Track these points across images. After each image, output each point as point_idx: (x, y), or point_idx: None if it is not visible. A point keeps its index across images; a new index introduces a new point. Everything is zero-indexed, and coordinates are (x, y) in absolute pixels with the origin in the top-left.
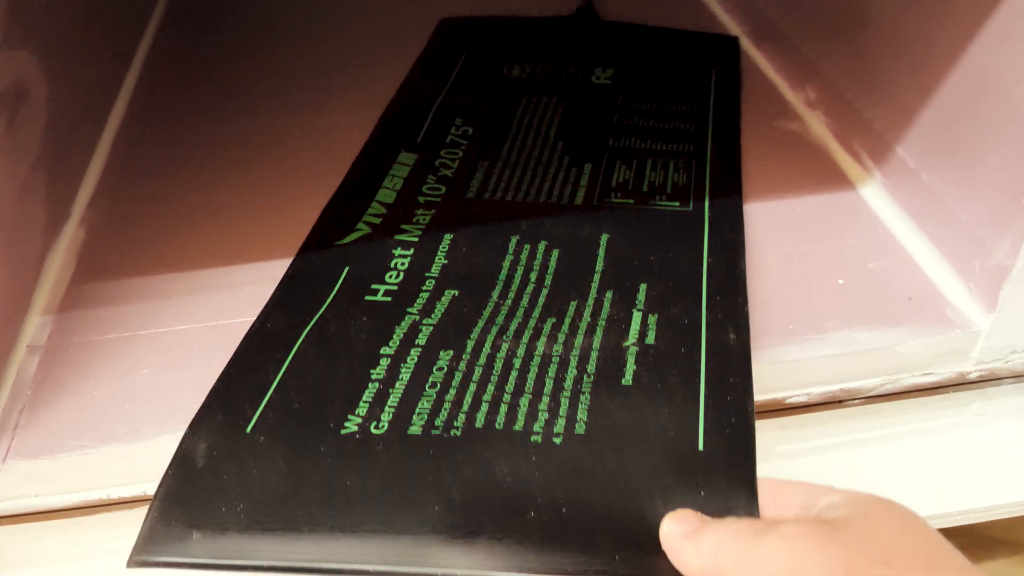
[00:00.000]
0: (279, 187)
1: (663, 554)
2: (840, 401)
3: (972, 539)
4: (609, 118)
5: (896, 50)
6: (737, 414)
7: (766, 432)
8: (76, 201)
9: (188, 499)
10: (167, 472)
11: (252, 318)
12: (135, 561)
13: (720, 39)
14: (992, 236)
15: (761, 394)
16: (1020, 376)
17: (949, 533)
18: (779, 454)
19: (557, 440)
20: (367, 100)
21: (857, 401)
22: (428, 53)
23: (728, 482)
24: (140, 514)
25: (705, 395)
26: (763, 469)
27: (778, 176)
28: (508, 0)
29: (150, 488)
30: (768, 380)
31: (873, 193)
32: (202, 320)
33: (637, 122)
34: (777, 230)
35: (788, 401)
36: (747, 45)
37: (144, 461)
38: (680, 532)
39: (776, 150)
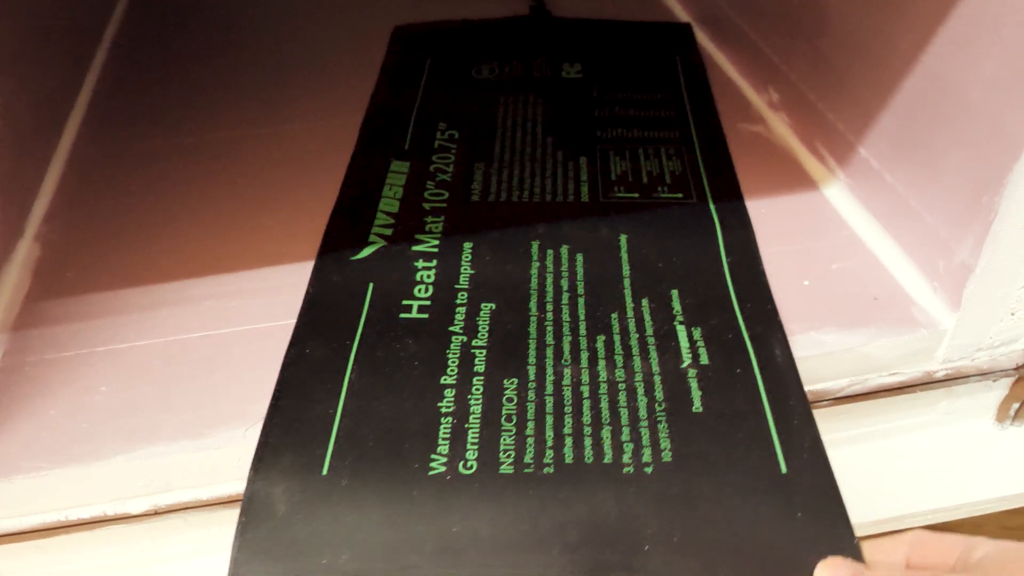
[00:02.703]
0: (242, 198)
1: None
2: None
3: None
4: (590, 111)
5: (855, 52)
6: (809, 438)
7: None
8: (31, 216)
9: (282, 551)
10: (241, 523)
11: (214, 332)
12: None
13: (674, 27)
14: (955, 235)
15: None
16: (986, 374)
17: None
18: None
19: (648, 470)
20: (329, 109)
21: (825, 403)
22: (391, 60)
23: (820, 504)
24: (100, 535)
25: (773, 418)
26: None
27: (744, 178)
28: (455, 6)
29: (110, 508)
30: None
31: (837, 194)
32: (162, 335)
33: (618, 112)
34: None
35: None
36: (710, 47)
37: (103, 482)
38: None
39: (741, 152)
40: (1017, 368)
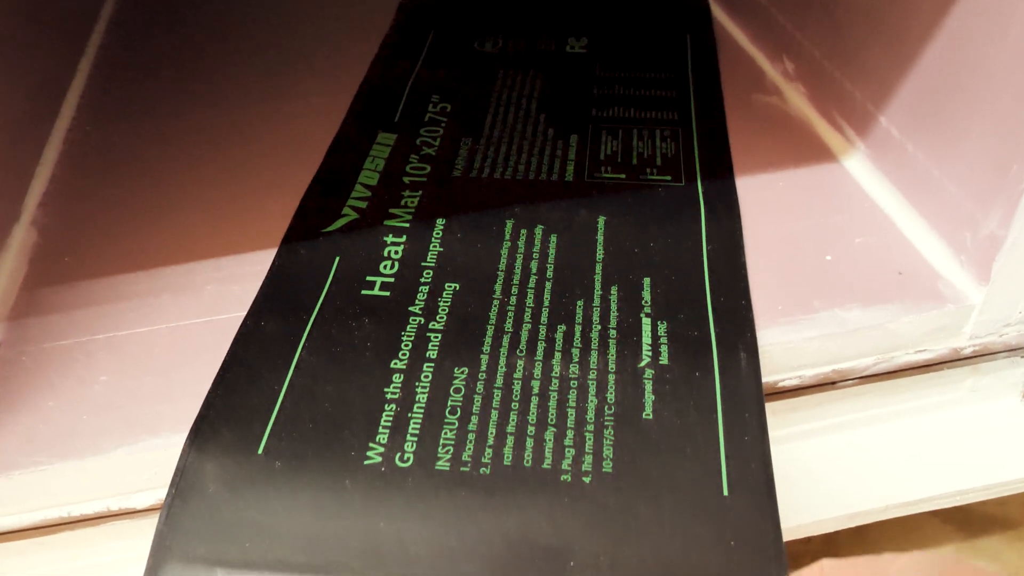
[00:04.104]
0: (242, 180)
1: None
2: (833, 383)
3: (965, 515)
4: (589, 89)
5: (873, 18)
6: (756, 458)
7: None
8: (26, 201)
9: (206, 531)
10: (171, 495)
11: (216, 317)
12: None
13: (690, 4)
14: (982, 207)
15: None
16: (1015, 350)
17: (944, 512)
18: (772, 440)
19: (586, 479)
20: (331, 87)
21: (850, 382)
22: (394, 33)
23: (755, 532)
24: (105, 531)
25: (724, 434)
26: None
27: (759, 151)
28: None
29: (113, 504)
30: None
31: (857, 166)
32: (164, 322)
33: (617, 91)
34: (760, 207)
35: (780, 385)
36: (722, 17)
37: (105, 476)
38: None
39: (756, 124)
40: None
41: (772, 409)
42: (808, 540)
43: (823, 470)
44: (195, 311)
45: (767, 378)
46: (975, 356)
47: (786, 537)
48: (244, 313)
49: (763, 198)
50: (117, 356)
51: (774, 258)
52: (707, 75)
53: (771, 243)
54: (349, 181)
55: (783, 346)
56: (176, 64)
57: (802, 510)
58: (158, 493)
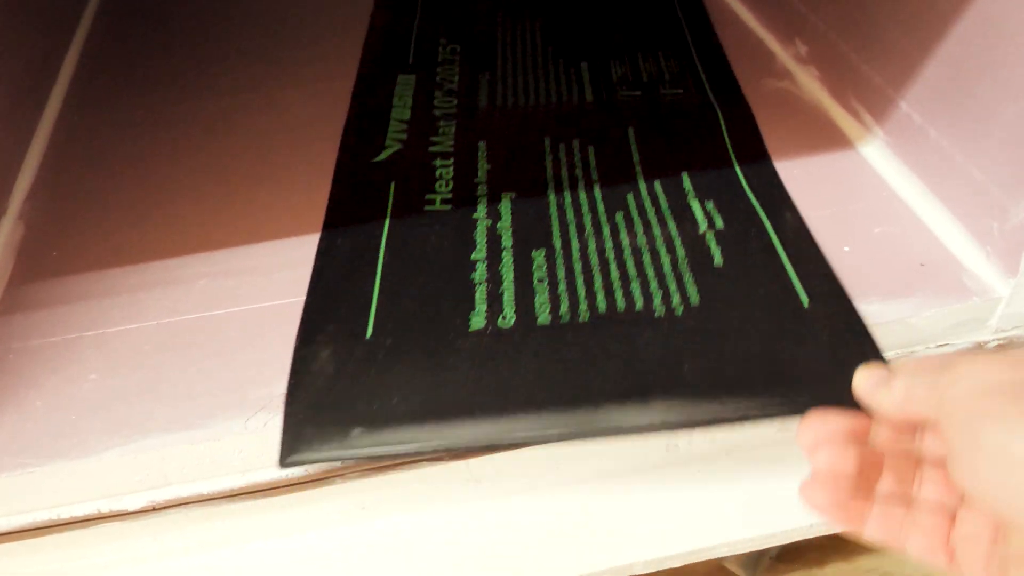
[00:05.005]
0: (232, 171)
1: (810, 393)
2: None
3: None
4: (587, 22)
5: None
6: (825, 278)
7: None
8: (13, 195)
9: (332, 403)
10: (292, 382)
11: (208, 313)
12: (290, 462)
13: None
14: (1011, 195)
15: None
16: None
17: None
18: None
19: (679, 312)
20: (322, 73)
21: None
22: None
23: (845, 329)
24: (96, 533)
25: (791, 265)
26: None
27: (772, 138)
28: None
29: (104, 505)
30: None
31: (875, 152)
32: (153, 317)
33: (615, 22)
34: None
35: None
36: (732, 1)
37: (95, 477)
38: (871, 383)
39: (767, 111)
40: None
41: None
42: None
43: None
44: (187, 306)
45: None
46: (1000, 350)
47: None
48: (240, 308)
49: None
50: (106, 353)
51: None
52: (694, 3)
53: None
54: (383, 118)
55: None
56: (166, 51)
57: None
58: (151, 495)
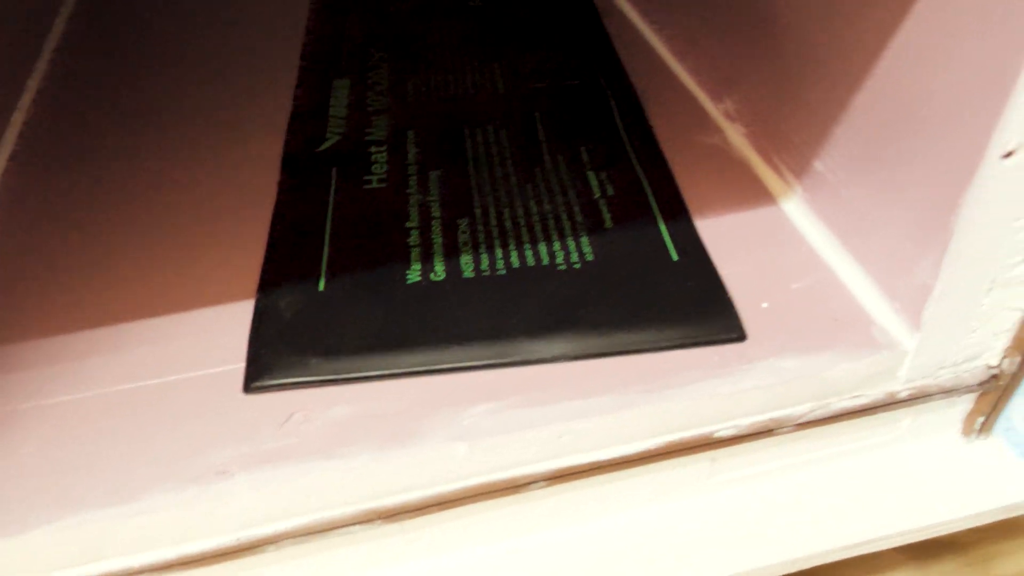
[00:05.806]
0: (175, 234)
1: (679, 330)
2: (770, 430)
3: (919, 543)
4: (496, 29)
5: (809, 64)
6: (690, 240)
7: (696, 465)
8: None
9: (291, 340)
10: (255, 325)
11: (150, 382)
12: (255, 388)
13: None
14: (914, 254)
15: (688, 430)
16: (950, 391)
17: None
18: (711, 487)
19: (577, 266)
20: (266, 128)
21: (787, 429)
22: (315, 16)
23: (701, 278)
24: None
25: (665, 228)
26: (694, 501)
27: (700, 192)
28: None
29: None
30: (694, 416)
31: (795, 209)
32: (93, 388)
33: (519, 30)
34: None
35: (717, 435)
36: (665, 54)
37: (28, 554)
38: None
39: (697, 166)
40: (981, 384)
41: (711, 457)
42: None
43: (764, 515)
44: (128, 375)
45: (703, 429)
46: (911, 399)
47: None
48: (182, 376)
49: (703, 241)
50: (43, 425)
51: None
52: (584, 4)
53: None
54: (323, 116)
55: (719, 398)
56: (112, 109)
57: (745, 558)
58: (85, 569)
